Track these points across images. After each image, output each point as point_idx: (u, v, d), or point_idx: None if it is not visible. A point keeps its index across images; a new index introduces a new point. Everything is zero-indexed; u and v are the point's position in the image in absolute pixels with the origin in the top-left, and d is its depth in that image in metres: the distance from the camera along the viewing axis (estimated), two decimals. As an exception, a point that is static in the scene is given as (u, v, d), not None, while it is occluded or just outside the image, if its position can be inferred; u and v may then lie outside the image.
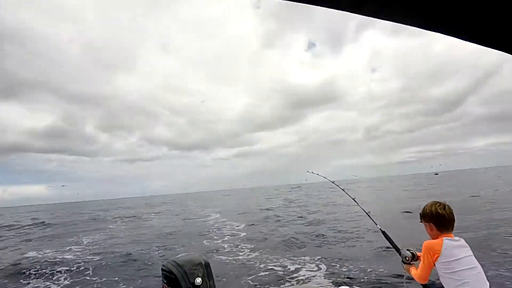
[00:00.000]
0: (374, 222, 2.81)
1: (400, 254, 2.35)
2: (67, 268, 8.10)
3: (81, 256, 9.70)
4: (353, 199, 3.14)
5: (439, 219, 1.90)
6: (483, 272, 1.77)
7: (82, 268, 8.09)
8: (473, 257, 1.83)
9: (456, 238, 1.88)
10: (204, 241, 11.41)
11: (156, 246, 10.83)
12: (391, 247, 2.57)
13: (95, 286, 6.66)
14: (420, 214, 2.05)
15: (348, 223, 11.90)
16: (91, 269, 7.93)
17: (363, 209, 2.96)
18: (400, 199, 21.46)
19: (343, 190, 3.33)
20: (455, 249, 1.82)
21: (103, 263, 8.51)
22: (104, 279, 7.07)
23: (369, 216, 2.87)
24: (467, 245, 1.86)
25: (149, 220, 21.72)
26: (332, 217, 14.22)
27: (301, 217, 15.84)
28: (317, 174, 3.77)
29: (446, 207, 1.92)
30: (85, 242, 12.81)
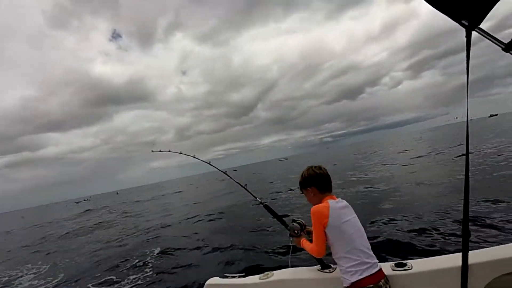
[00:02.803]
0: (253, 195, 2.37)
1: (287, 227, 2.06)
2: None
3: None
4: (224, 172, 2.51)
5: (320, 180, 1.81)
6: (365, 233, 1.76)
7: None
8: (357, 218, 1.79)
9: (339, 199, 1.81)
10: None
11: None
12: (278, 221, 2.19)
13: None
14: (299, 183, 1.90)
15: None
16: None
17: (239, 183, 2.42)
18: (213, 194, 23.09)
19: (209, 163, 2.62)
20: (341, 211, 1.72)
21: None
22: None
23: (246, 189, 2.38)
24: (349, 205, 1.82)
25: None
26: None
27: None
28: (169, 151, 2.82)
29: (322, 168, 1.86)
30: None
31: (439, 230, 5.09)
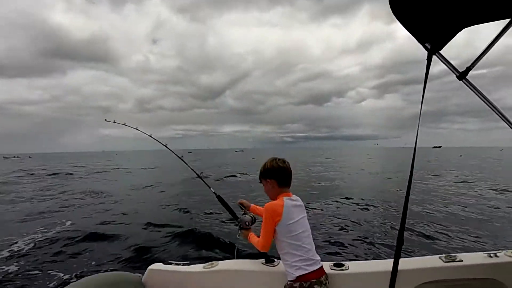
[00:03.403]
0: (207, 185, 2.29)
1: (237, 219, 2.05)
2: None
3: None
4: (180, 158, 2.40)
5: (281, 173, 1.79)
6: (311, 233, 1.80)
7: None
8: (306, 217, 1.83)
9: (294, 196, 1.83)
10: None
11: None
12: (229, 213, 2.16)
13: None
14: (260, 172, 1.86)
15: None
16: None
17: (194, 171, 2.32)
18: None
19: (165, 146, 2.47)
20: (294, 209, 1.75)
21: None
22: None
23: (201, 178, 2.30)
24: (302, 203, 1.84)
25: None
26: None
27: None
28: (125, 124, 2.61)
29: (286, 162, 1.85)
30: None
31: (374, 237, 5.59)
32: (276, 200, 1.77)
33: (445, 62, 1.35)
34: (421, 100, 1.50)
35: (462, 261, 1.82)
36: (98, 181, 18.19)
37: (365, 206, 8.73)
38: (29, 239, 5.92)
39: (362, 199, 9.88)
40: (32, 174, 24.51)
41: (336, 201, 9.59)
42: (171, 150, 2.45)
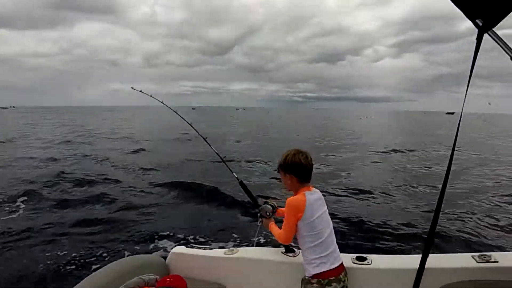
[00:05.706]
0: (230, 170, 2.28)
1: (259, 208, 2.06)
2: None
3: None
4: (204, 138, 2.37)
5: (302, 171, 1.75)
6: (333, 229, 1.79)
7: None
8: (327, 211, 1.81)
9: (314, 190, 1.81)
10: None
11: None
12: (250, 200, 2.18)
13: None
14: (279, 163, 1.81)
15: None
16: None
17: (218, 154, 2.30)
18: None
19: (190, 124, 2.45)
20: (315, 204, 1.74)
21: None
22: None
23: (224, 162, 2.29)
24: (322, 196, 1.82)
25: None
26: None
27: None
28: (151, 96, 2.59)
29: (309, 157, 1.78)
30: None
31: (399, 228, 5.17)
32: (298, 195, 1.76)
33: (499, 42, 1.14)
34: (467, 83, 1.32)
35: (497, 261, 1.67)
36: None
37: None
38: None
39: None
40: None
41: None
42: (196, 130, 2.42)
